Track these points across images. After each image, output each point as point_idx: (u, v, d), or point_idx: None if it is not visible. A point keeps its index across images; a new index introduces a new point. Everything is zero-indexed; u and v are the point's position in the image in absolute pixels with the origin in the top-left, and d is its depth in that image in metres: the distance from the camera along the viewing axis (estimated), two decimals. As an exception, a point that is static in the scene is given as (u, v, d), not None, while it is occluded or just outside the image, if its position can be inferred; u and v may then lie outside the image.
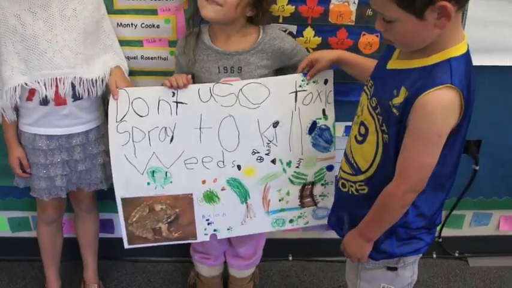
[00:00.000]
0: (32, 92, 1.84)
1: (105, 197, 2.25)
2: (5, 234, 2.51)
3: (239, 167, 1.92)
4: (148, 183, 1.91)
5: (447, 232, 2.61)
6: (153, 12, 1.98)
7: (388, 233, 1.54)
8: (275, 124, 1.88)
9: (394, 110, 1.37)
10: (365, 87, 1.55)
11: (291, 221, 2.05)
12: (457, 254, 2.69)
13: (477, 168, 2.38)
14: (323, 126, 1.92)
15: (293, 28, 2.00)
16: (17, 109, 1.91)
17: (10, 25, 1.78)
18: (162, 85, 1.82)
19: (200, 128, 1.85)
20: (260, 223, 2.03)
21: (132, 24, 2.00)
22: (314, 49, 2.03)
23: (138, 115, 1.82)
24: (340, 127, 2.11)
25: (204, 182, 1.93)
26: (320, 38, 2.02)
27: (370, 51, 2.05)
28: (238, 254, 2.26)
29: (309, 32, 2.01)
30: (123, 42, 2.01)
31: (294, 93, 1.86)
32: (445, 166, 1.44)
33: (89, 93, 1.88)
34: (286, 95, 1.86)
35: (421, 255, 1.63)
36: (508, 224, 2.62)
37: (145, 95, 1.82)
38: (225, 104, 1.83)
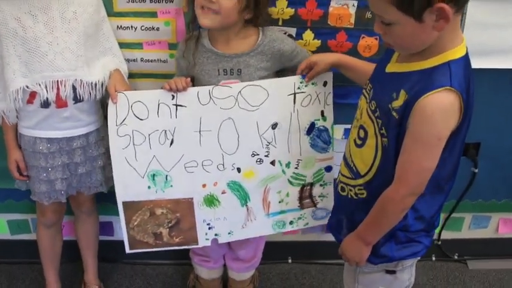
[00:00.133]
0: (33, 94, 1.84)
1: (104, 199, 2.25)
2: (5, 236, 2.51)
3: (239, 170, 1.92)
4: (149, 187, 1.91)
5: (446, 235, 2.62)
6: (153, 14, 1.99)
7: (388, 237, 1.54)
8: (274, 126, 1.88)
9: (394, 113, 1.37)
10: (364, 91, 1.56)
11: (291, 222, 2.05)
12: (456, 257, 2.69)
13: (476, 171, 2.39)
14: (321, 127, 1.93)
15: (292, 31, 2.00)
16: (17, 112, 1.91)
17: (11, 28, 1.78)
18: (161, 88, 1.83)
19: (200, 131, 1.86)
20: (261, 226, 2.03)
21: (131, 26, 2.00)
22: (313, 52, 2.03)
23: (138, 118, 1.83)
24: (339, 130, 2.11)
25: (204, 185, 1.93)
26: (319, 41, 2.02)
27: (370, 54, 2.05)
28: (237, 256, 2.26)
29: (308, 35, 2.01)
30: (122, 45, 2.01)
31: (293, 95, 1.87)
32: (445, 169, 1.44)
33: (89, 96, 1.88)
34: (284, 96, 1.86)
35: (419, 258, 1.63)
36: (507, 226, 2.63)
37: (144, 98, 1.83)
38: (224, 106, 1.83)
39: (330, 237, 2.08)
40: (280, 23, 1.98)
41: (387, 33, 1.35)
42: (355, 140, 1.57)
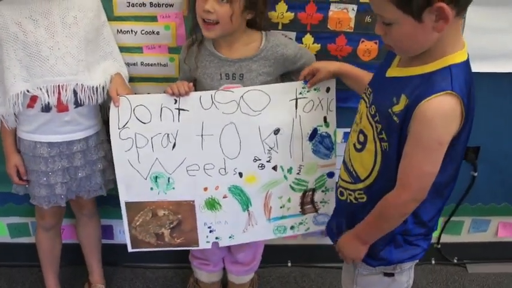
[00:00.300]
0: (34, 98, 1.84)
1: (104, 202, 2.26)
2: (4, 240, 2.51)
3: (241, 175, 1.92)
4: (152, 188, 1.92)
5: (446, 238, 2.62)
6: (153, 18, 1.99)
7: (387, 241, 1.54)
8: (276, 131, 1.88)
9: (395, 118, 1.37)
10: (363, 95, 1.56)
11: (292, 227, 2.05)
12: (455, 261, 2.69)
13: (475, 174, 2.39)
14: (324, 134, 1.93)
15: (292, 35, 2.01)
16: (16, 116, 1.91)
17: (11, 32, 1.78)
18: (164, 92, 1.83)
19: (202, 135, 1.86)
20: (262, 230, 2.03)
21: (132, 30, 2.00)
22: (313, 55, 2.04)
23: (141, 122, 1.83)
24: (339, 133, 2.11)
25: (205, 189, 1.93)
26: (319, 45, 2.03)
27: (369, 58, 2.05)
28: (237, 260, 2.26)
29: (308, 39, 2.02)
30: (123, 49, 2.02)
31: (295, 101, 1.87)
32: (445, 174, 1.43)
33: (90, 100, 1.88)
34: (286, 102, 1.86)
35: (417, 260, 1.63)
36: (506, 230, 2.63)
37: (147, 102, 1.83)
38: (226, 111, 1.83)
39: (329, 241, 2.08)
40: (280, 27, 1.99)
41: (388, 34, 1.35)
42: (354, 145, 1.57)
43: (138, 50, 2.04)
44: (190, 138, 1.86)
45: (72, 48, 1.82)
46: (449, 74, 1.30)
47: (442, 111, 1.30)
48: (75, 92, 1.85)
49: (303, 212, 2.03)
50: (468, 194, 2.44)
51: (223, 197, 1.95)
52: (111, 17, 1.97)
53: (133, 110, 1.82)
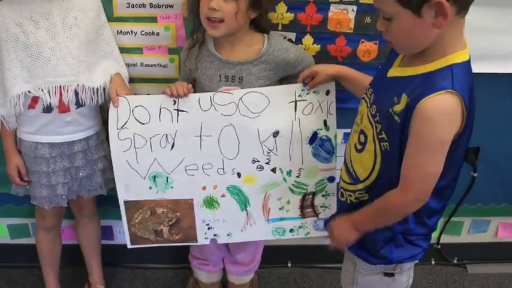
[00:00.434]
0: (35, 99, 1.85)
1: (104, 203, 2.26)
2: (4, 241, 2.51)
3: (239, 175, 1.92)
4: (150, 188, 1.93)
5: (446, 239, 2.62)
6: (153, 19, 1.99)
7: (388, 240, 1.55)
8: (275, 134, 1.88)
9: (396, 118, 1.37)
10: (364, 95, 1.55)
11: (291, 230, 2.04)
12: (455, 261, 2.69)
13: (475, 175, 2.39)
14: (324, 137, 1.91)
15: (292, 35, 2.01)
16: (16, 117, 1.91)
17: (12, 33, 1.78)
18: (163, 93, 1.83)
19: (200, 136, 1.86)
20: (260, 231, 2.03)
21: (131, 31, 2.01)
22: (313, 56, 2.03)
23: (140, 122, 1.84)
24: (339, 134, 2.11)
25: (204, 188, 1.94)
26: (319, 46, 2.03)
27: (369, 58, 2.05)
28: (236, 260, 2.27)
29: (307, 40, 2.02)
30: (123, 50, 2.02)
31: (294, 103, 1.86)
32: (446, 175, 1.43)
33: (91, 101, 1.89)
34: (285, 104, 1.86)
35: (417, 260, 1.63)
36: (506, 230, 2.63)
37: (146, 102, 1.84)
38: (225, 113, 1.83)
39: (329, 242, 2.08)
40: (279, 27, 1.99)
41: (388, 30, 1.35)
42: (355, 145, 1.57)
43: (138, 50, 2.04)
44: (188, 139, 1.86)
45: (73, 49, 1.83)
46: (451, 73, 1.30)
47: (442, 110, 1.29)
48: (76, 93, 1.86)
49: (303, 215, 2.02)
50: (468, 195, 2.44)
51: (222, 196, 1.96)
52: (111, 18, 1.97)
53: (132, 110, 1.83)
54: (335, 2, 1.95)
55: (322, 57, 2.03)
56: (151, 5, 1.96)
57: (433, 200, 1.47)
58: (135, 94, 1.98)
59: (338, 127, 1.94)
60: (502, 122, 2.28)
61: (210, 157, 1.89)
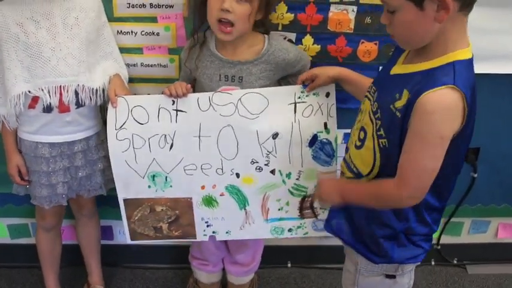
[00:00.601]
0: (35, 99, 1.85)
1: (104, 203, 2.26)
2: (4, 241, 2.52)
3: (238, 175, 1.92)
4: (149, 186, 1.93)
5: (446, 239, 2.62)
6: (153, 19, 1.99)
7: (390, 239, 1.54)
8: (274, 136, 1.87)
9: (398, 113, 1.37)
10: (368, 94, 1.55)
11: (290, 230, 2.04)
12: (455, 262, 2.69)
13: (475, 175, 2.39)
14: (324, 140, 1.90)
15: (292, 36, 2.01)
16: (17, 117, 1.90)
17: (12, 33, 1.79)
18: (162, 93, 1.83)
19: (199, 136, 1.86)
20: (259, 230, 2.03)
21: (132, 31, 2.01)
22: (313, 57, 2.04)
23: (138, 122, 1.84)
24: (339, 134, 2.10)
25: (203, 187, 1.94)
26: (319, 46, 2.03)
27: (369, 59, 2.06)
28: (236, 260, 2.27)
29: (308, 40, 2.02)
30: (123, 50, 2.02)
31: (293, 105, 1.86)
32: (445, 174, 1.43)
33: (91, 101, 1.89)
34: (285, 106, 1.85)
35: (419, 262, 1.63)
36: (506, 231, 2.63)
37: (145, 103, 1.84)
38: (224, 113, 1.83)
39: (329, 242, 2.09)
40: (280, 28, 1.99)
41: (391, 23, 1.36)
42: (355, 142, 1.57)
43: (138, 50, 2.05)
44: (187, 139, 1.86)
45: (73, 49, 1.83)
46: (452, 69, 1.30)
47: (443, 105, 1.29)
48: (76, 93, 1.86)
49: (302, 216, 2.01)
50: (468, 195, 2.44)
51: (220, 195, 1.96)
52: (111, 18, 1.97)
53: (131, 110, 1.83)
54: (335, 3, 1.96)
55: (322, 57, 2.03)
56: (151, 5, 1.96)
57: (432, 198, 1.47)
58: (135, 94, 1.98)
59: (338, 127, 1.93)
60: (502, 122, 2.28)
61: (209, 157, 1.89)
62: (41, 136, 1.91)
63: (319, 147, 1.90)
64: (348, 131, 2.07)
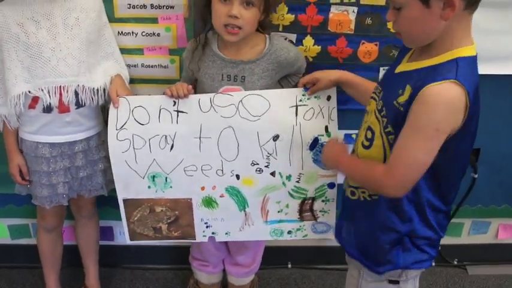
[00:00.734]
0: (35, 99, 1.85)
1: (105, 203, 2.26)
2: (5, 241, 2.52)
3: (238, 177, 1.92)
4: (149, 187, 1.93)
5: (446, 240, 2.58)
6: (154, 20, 2.00)
7: (395, 243, 1.54)
8: (275, 138, 1.87)
9: (401, 108, 1.37)
10: (373, 94, 1.56)
11: (289, 232, 2.04)
12: (455, 262, 2.69)
13: (476, 176, 2.38)
14: (325, 143, 1.88)
15: (293, 37, 2.01)
16: (18, 117, 1.91)
17: (13, 33, 1.79)
18: (163, 94, 1.83)
19: (200, 137, 1.86)
20: (258, 231, 2.03)
21: (132, 32, 2.01)
22: (313, 57, 2.04)
23: (139, 123, 1.84)
24: (340, 135, 2.11)
25: (203, 188, 1.94)
26: (319, 47, 2.03)
27: (369, 59, 2.06)
28: (237, 261, 2.27)
29: (308, 41, 2.02)
30: (123, 51, 2.02)
31: (295, 108, 1.86)
32: (449, 176, 1.43)
33: (91, 101, 1.89)
34: (286, 108, 1.85)
35: (423, 269, 1.62)
36: (506, 232, 2.63)
37: (146, 103, 1.84)
38: (225, 115, 1.83)
39: (329, 243, 2.09)
40: (280, 29, 1.99)
41: (397, 20, 1.37)
42: (362, 143, 1.56)
43: (139, 51, 2.05)
44: (188, 140, 1.86)
45: (73, 50, 1.83)
46: (456, 65, 1.31)
47: (444, 98, 1.29)
48: (76, 93, 1.86)
49: (302, 218, 2.01)
50: (468, 196, 2.43)
51: (220, 196, 1.96)
52: (112, 19, 1.97)
53: (132, 111, 1.83)
54: (336, 3, 1.96)
55: (322, 58, 2.04)
56: (152, 6, 1.97)
57: (434, 197, 1.47)
58: (136, 95, 1.98)
59: (339, 128, 1.93)
60: (503, 123, 2.28)
61: (209, 158, 1.89)
62: (41, 136, 1.92)
63: (320, 150, 1.89)
64: (349, 131, 2.08)
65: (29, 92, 1.83)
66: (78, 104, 1.88)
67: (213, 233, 2.04)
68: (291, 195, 1.96)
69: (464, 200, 2.43)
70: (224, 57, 1.86)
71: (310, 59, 2.04)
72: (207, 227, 2.02)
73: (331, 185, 1.96)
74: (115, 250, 2.49)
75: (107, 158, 2.02)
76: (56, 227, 2.19)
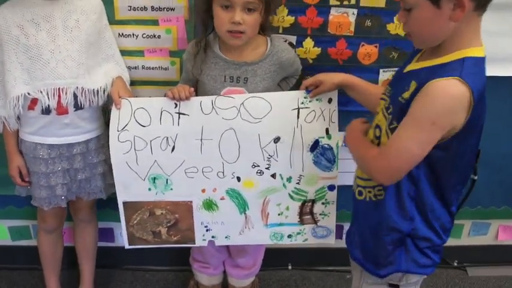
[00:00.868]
0: (34, 101, 1.85)
1: (105, 205, 2.26)
2: (6, 242, 2.52)
3: (239, 179, 1.92)
4: (150, 189, 1.93)
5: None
6: (154, 22, 2.00)
7: (397, 243, 1.54)
8: (276, 140, 1.87)
9: (403, 101, 1.39)
10: (383, 95, 1.56)
11: (289, 236, 2.04)
12: (456, 264, 2.69)
13: (475, 178, 2.38)
14: (326, 146, 1.90)
15: (293, 39, 2.02)
16: (18, 118, 1.91)
17: (13, 35, 1.80)
18: (164, 96, 1.84)
19: (201, 139, 1.86)
20: (258, 235, 2.03)
21: (133, 34, 2.02)
22: (313, 59, 2.04)
23: (140, 125, 1.84)
24: (339, 137, 2.11)
25: (203, 190, 1.94)
26: (319, 49, 2.04)
27: (369, 61, 2.06)
28: (237, 263, 2.27)
29: (308, 43, 2.03)
30: (124, 52, 2.03)
31: (297, 110, 1.86)
32: (449, 178, 1.44)
33: (90, 103, 1.89)
34: (288, 111, 1.86)
35: (425, 276, 1.62)
36: (506, 233, 2.63)
37: (148, 105, 1.84)
38: (226, 117, 1.84)
39: (330, 244, 2.08)
40: (280, 31, 2.00)
41: (408, 21, 1.37)
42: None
43: (140, 53, 2.05)
44: (189, 142, 1.87)
45: (73, 52, 1.83)
46: (462, 64, 1.31)
47: (447, 93, 1.30)
48: (75, 95, 1.86)
49: (302, 222, 2.01)
50: (468, 197, 2.43)
51: (221, 199, 1.96)
52: (113, 21, 1.98)
53: (134, 112, 1.83)
54: (335, 6, 1.96)
55: (322, 60, 2.04)
56: (152, 8, 1.97)
57: (434, 198, 1.48)
58: (136, 97, 1.99)
59: (338, 131, 1.93)
60: (502, 124, 2.28)
61: (210, 160, 1.89)
62: (40, 137, 1.92)
63: (321, 152, 1.90)
64: (349, 134, 2.08)
65: (28, 94, 1.83)
66: (77, 106, 1.88)
67: (212, 237, 2.03)
68: (291, 197, 1.96)
69: (464, 201, 2.44)
70: (227, 59, 1.87)
71: (310, 61, 2.05)
72: (207, 230, 2.02)
73: (331, 187, 1.96)
74: (115, 251, 2.49)
75: (106, 162, 2.03)
76: (56, 228, 2.19)
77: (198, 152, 1.87)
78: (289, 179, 1.94)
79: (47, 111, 1.87)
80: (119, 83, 1.92)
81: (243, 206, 1.97)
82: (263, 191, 1.95)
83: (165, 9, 1.97)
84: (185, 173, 1.91)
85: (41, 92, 1.83)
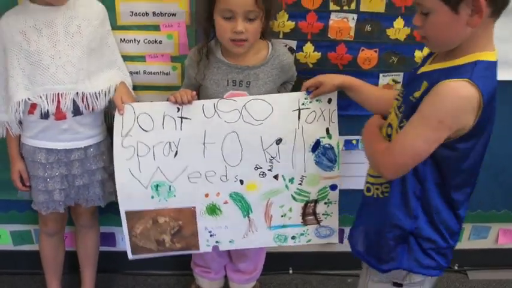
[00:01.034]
0: (34, 105, 1.86)
1: (107, 210, 2.26)
2: (7, 247, 2.52)
3: (242, 182, 1.93)
4: (152, 197, 1.93)
5: (446, 245, 2.62)
6: (156, 28, 2.01)
7: (399, 239, 1.54)
8: (278, 141, 1.89)
9: (414, 100, 1.40)
10: (397, 96, 1.58)
11: (293, 237, 2.04)
12: (456, 267, 2.70)
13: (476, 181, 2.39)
14: (327, 145, 1.92)
15: (293, 43, 2.03)
16: (20, 122, 1.92)
17: (16, 42, 1.81)
18: (167, 100, 1.85)
19: (204, 143, 1.87)
20: (262, 237, 2.03)
21: (135, 40, 2.03)
22: (314, 64, 2.05)
23: (143, 130, 1.85)
24: (340, 141, 2.12)
25: (206, 195, 1.94)
26: (320, 53, 2.05)
27: (369, 66, 2.07)
28: (238, 268, 2.27)
29: (308, 47, 2.04)
30: (126, 58, 2.04)
31: (297, 111, 1.87)
32: (454, 182, 1.45)
33: (89, 109, 1.90)
34: (289, 112, 1.87)
35: (429, 277, 1.61)
36: (506, 237, 2.63)
37: (150, 110, 1.85)
38: (228, 120, 1.85)
39: (331, 248, 2.09)
40: (281, 35, 2.01)
41: (424, 25, 1.38)
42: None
43: (141, 58, 2.07)
44: (192, 146, 1.87)
45: (73, 57, 1.84)
46: (473, 67, 1.33)
47: (456, 94, 1.31)
48: (74, 101, 1.87)
49: (305, 222, 2.02)
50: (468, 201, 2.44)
51: (224, 203, 1.96)
52: (115, 26, 1.99)
53: (137, 117, 1.84)
54: (335, 11, 1.98)
55: (322, 64, 2.05)
56: (154, 13, 1.98)
57: (439, 199, 1.49)
58: (138, 102, 1.99)
59: (339, 134, 1.95)
60: (502, 129, 2.28)
61: (213, 164, 1.90)
62: (39, 141, 1.93)
63: (322, 152, 1.92)
64: (349, 137, 2.09)
65: (28, 99, 1.85)
66: (76, 112, 1.89)
67: (216, 242, 2.03)
68: (294, 198, 1.97)
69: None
70: (229, 63, 1.88)
71: (311, 65, 2.06)
72: (210, 235, 2.02)
73: (333, 187, 1.98)
74: (117, 256, 2.49)
75: (105, 169, 2.03)
76: (57, 232, 2.20)
77: (201, 156, 1.88)
78: (291, 180, 1.95)
79: (45, 115, 1.88)
80: (121, 89, 1.93)
81: (246, 209, 1.97)
82: (266, 193, 1.95)
83: (167, 15, 1.98)
84: (188, 178, 1.91)
85: (40, 97, 1.84)
